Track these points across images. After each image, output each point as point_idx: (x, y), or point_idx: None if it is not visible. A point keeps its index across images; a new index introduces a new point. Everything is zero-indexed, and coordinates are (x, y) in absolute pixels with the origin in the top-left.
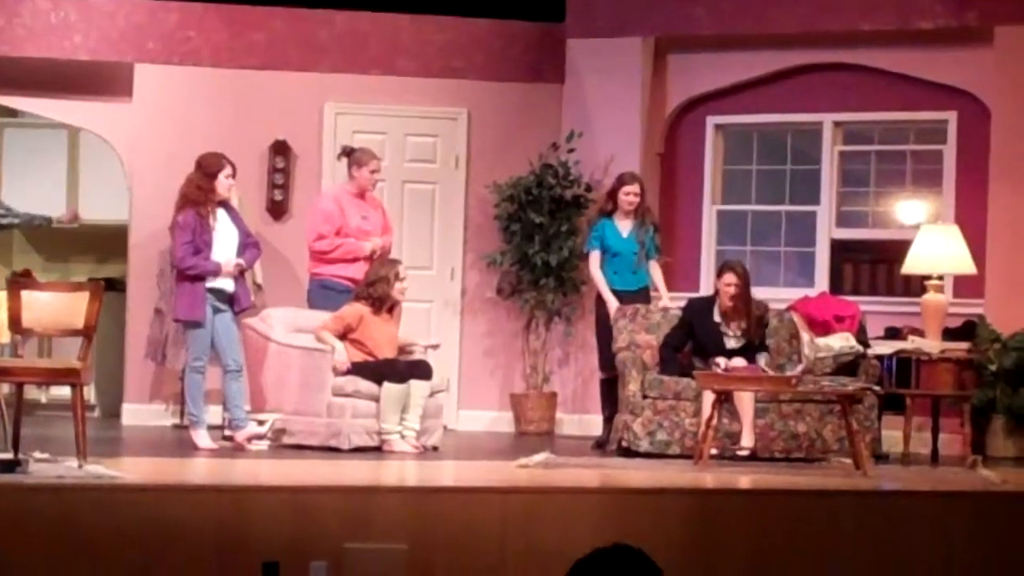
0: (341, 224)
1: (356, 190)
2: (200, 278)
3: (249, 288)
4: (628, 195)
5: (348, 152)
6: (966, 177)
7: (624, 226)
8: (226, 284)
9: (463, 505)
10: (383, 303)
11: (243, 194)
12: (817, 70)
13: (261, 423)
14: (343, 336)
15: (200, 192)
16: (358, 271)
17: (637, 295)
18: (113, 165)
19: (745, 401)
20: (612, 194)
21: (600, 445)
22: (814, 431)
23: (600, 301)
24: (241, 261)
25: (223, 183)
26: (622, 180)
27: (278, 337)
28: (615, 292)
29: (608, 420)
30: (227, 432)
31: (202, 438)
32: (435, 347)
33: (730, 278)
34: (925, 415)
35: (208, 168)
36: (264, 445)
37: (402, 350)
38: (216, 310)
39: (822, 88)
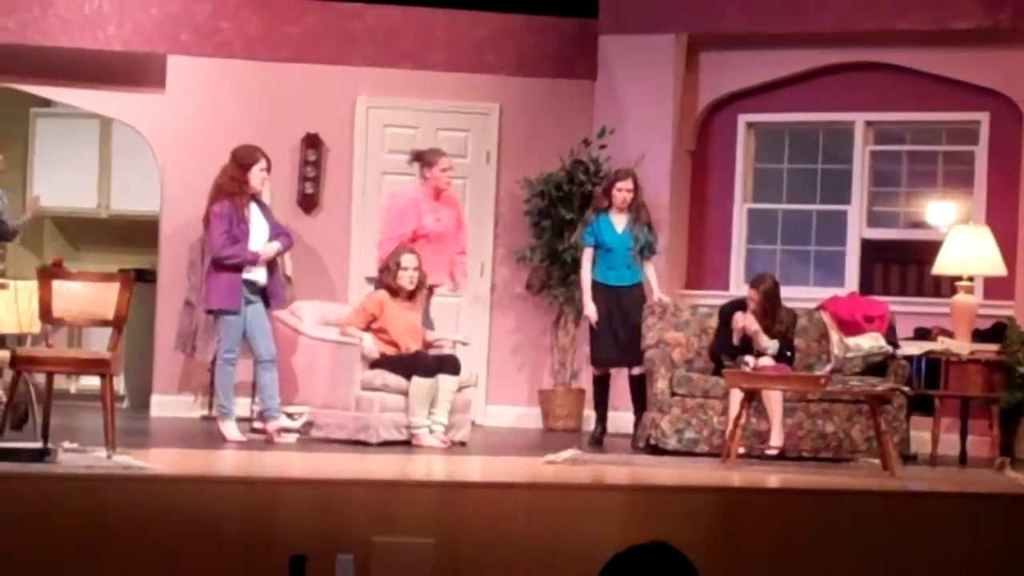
0: (416, 226)
1: (431, 191)
2: (238, 267)
3: (283, 282)
4: (620, 191)
5: (417, 156)
6: (998, 178)
7: (619, 222)
8: (259, 276)
9: (491, 500)
10: (397, 291)
11: (274, 187)
12: (849, 69)
13: (291, 416)
14: (368, 328)
15: (234, 183)
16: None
17: (631, 291)
18: (145, 156)
19: (774, 400)
20: (607, 190)
21: (597, 442)
22: (842, 431)
23: (595, 298)
24: (277, 244)
25: (256, 176)
26: (616, 176)
27: (307, 330)
28: (609, 287)
29: (602, 418)
30: (256, 424)
31: (230, 430)
32: (464, 343)
33: (753, 295)
34: (954, 416)
35: (242, 160)
36: (292, 438)
37: (430, 345)
38: (248, 301)
39: (854, 87)
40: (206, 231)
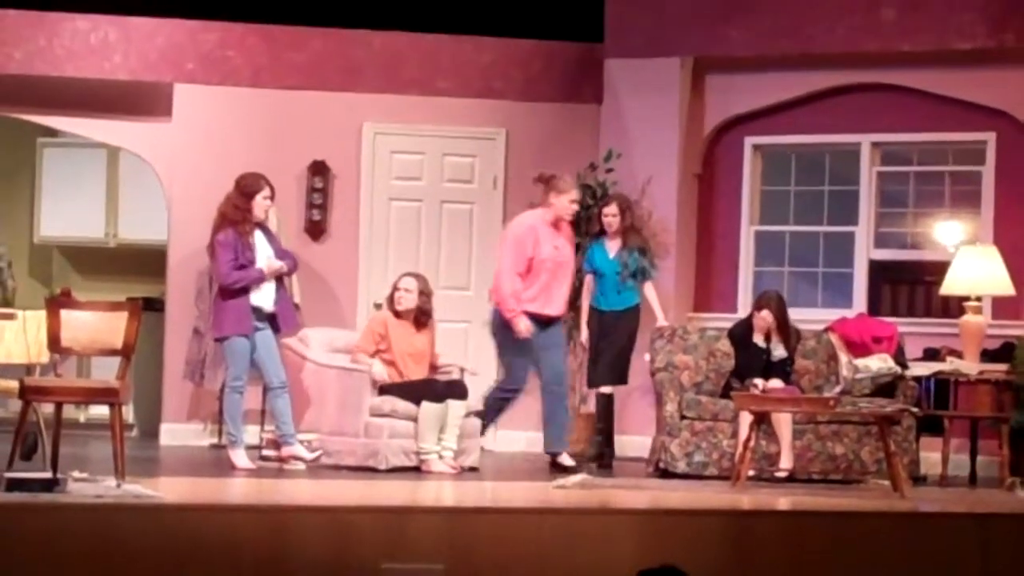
0: (533, 255)
1: (552, 218)
2: (245, 291)
3: (292, 308)
4: (606, 216)
5: (546, 179)
6: (1005, 198)
7: (611, 247)
8: (265, 303)
9: (500, 526)
10: (400, 313)
11: (282, 215)
12: (855, 91)
13: (302, 443)
14: (376, 351)
15: (238, 212)
16: (540, 306)
17: (624, 315)
18: (152, 185)
19: (783, 422)
20: (598, 216)
21: (600, 459)
22: (852, 452)
23: (588, 323)
24: (283, 264)
25: (260, 204)
26: (603, 202)
27: (315, 357)
28: (600, 312)
29: (600, 433)
30: (265, 452)
31: (240, 458)
32: (473, 374)
33: (764, 313)
34: (963, 437)
35: (246, 188)
36: (302, 465)
37: (438, 370)
38: (255, 328)
39: (860, 109)
40: (212, 260)
